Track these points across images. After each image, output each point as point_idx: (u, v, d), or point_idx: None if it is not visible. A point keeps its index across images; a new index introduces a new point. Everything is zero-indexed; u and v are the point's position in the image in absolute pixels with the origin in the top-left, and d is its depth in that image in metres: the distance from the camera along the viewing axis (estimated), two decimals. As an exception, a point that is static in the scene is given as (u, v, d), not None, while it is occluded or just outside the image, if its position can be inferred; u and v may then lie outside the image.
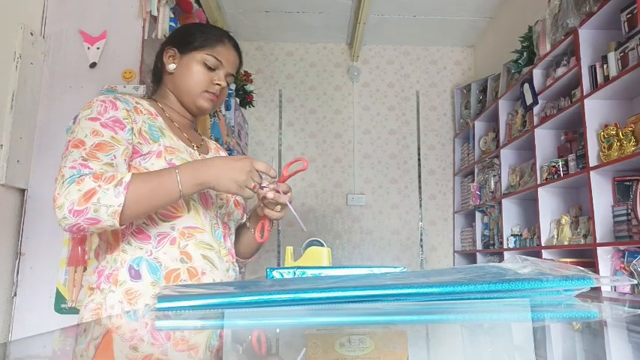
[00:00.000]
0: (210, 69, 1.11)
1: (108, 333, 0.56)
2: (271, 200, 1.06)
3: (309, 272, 0.89)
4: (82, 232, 0.90)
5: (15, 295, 1.95)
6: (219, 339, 0.51)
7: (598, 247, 2.25)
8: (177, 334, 0.53)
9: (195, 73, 1.10)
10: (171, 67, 1.12)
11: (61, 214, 0.87)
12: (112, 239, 1.03)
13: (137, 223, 1.02)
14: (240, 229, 1.25)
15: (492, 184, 3.59)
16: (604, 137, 2.25)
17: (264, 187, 1.03)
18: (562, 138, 2.81)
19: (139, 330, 0.57)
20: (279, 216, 1.09)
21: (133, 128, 1.01)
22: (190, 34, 1.14)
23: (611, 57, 2.23)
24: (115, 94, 1.06)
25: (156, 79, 1.20)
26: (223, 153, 1.30)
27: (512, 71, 3.33)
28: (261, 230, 1.12)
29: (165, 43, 1.17)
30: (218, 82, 1.12)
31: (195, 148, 1.15)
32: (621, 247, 2.19)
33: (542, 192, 2.86)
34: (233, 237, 1.19)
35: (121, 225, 0.90)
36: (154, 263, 1.00)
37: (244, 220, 1.27)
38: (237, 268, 1.16)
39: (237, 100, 3.64)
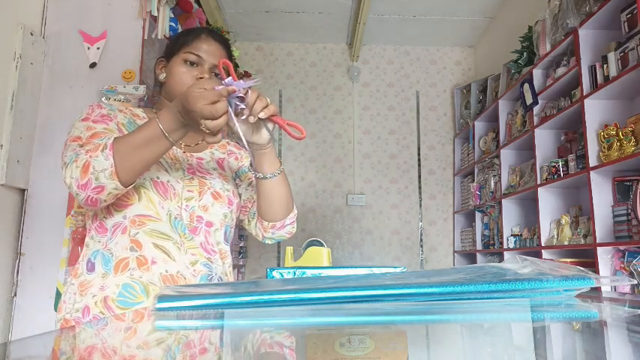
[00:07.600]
0: (193, 65, 1.13)
1: (64, 333, 0.55)
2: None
3: (309, 272, 0.89)
4: (97, 204, 0.95)
5: (15, 295, 1.95)
6: (184, 346, 0.49)
7: (598, 247, 2.25)
8: (133, 342, 0.52)
9: (178, 74, 1.12)
10: (161, 76, 1.17)
11: (74, 193, 0.94)
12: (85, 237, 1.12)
13: (99, 217, 1.06)
14: (258, 189, 1.13)
15: (492, 184, 3.59)
16: (604, 137, 2.25)
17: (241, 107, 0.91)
18: (562, 138, 2.81)
19: (94, 335, 0.56)
20: (267, 111, 0.93)
21: (117, 123, 1.08)
22: (174, 40, 1.19)
23: (611, 57, 2.23)
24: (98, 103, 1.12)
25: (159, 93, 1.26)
26: (232, 147, 1.28)
27: (512, 71, 3.33)
28: (286, 130, 0.91)
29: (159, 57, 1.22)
30: (201, 76, 1.11)
31: (183, 146, 1.16)
32: (621, 247, 2.19)
33: (542, 192, 2.86)
34: (219, 232, 1.13)
35: (126, 185, 0.94)
36: (107, 255, 1.04)
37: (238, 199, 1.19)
38: (213, 264, 1.10)
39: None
